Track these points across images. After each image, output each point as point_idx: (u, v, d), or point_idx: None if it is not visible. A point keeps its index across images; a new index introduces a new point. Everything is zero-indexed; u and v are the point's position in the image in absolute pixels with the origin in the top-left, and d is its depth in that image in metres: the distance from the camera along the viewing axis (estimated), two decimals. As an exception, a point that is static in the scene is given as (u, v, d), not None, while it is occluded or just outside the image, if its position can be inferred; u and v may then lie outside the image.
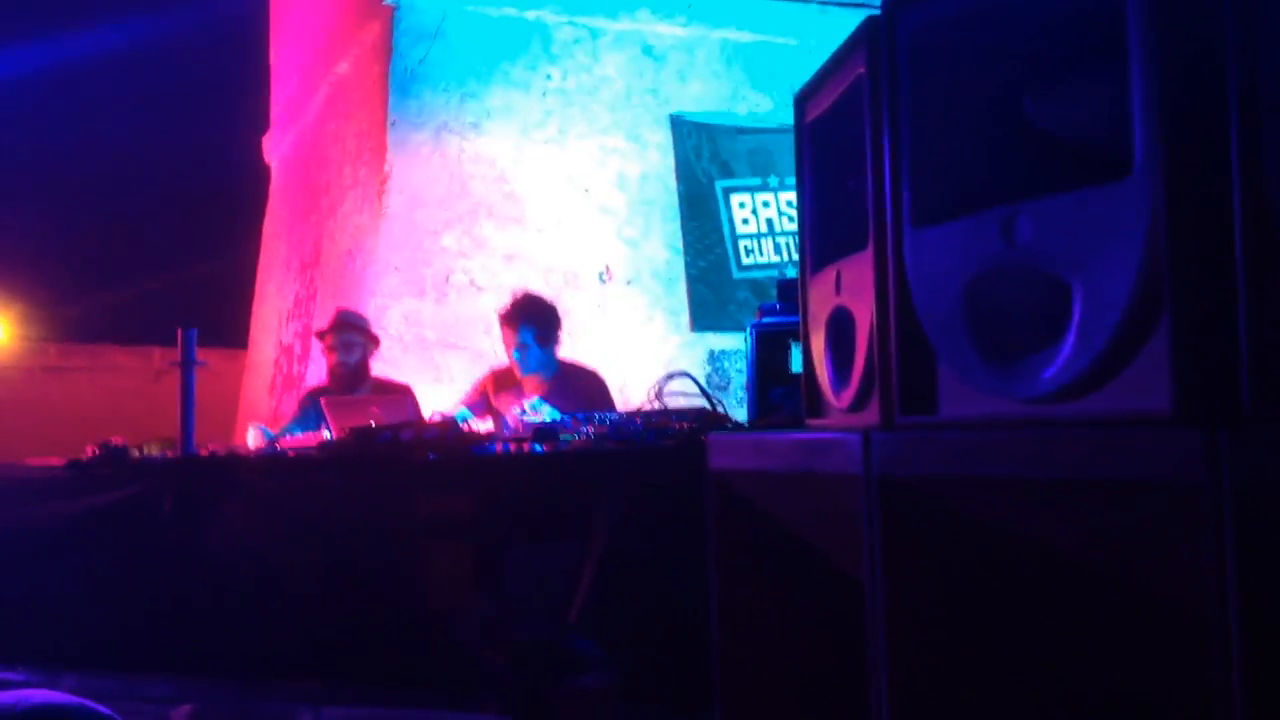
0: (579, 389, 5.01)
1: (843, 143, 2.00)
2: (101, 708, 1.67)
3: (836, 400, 2.06)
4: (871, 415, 1.86)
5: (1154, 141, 1.35)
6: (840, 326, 2.03)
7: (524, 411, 4.44)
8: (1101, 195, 1.42)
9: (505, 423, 4.52)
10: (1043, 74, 1.60)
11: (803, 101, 2.23)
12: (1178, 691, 1.47)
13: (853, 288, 1.96)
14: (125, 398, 13.63)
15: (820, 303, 2.14)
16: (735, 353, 7.59)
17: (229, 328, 12.09)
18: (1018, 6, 1.63)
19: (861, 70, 1.88)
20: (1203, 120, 1.32)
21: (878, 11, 1.83)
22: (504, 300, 7.32)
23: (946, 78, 1.70)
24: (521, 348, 5.06)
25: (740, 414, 4.29)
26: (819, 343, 2.15)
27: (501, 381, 5.20)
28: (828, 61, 2.06)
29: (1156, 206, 1.34)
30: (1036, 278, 1.50)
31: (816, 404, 2.20)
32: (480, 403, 5.13)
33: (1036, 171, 1.56)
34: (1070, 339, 1.46)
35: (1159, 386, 1.35)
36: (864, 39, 1.86)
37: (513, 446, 3.69)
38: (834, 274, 2.06)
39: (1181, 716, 1.47)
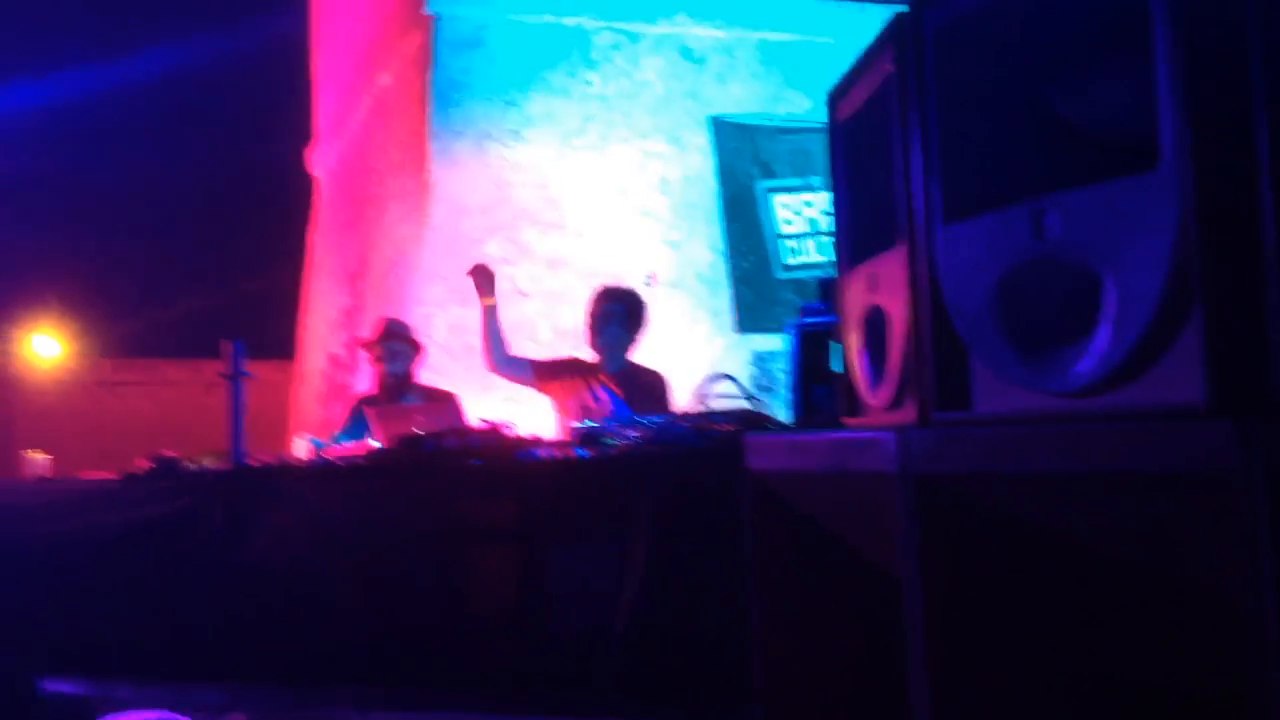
0: (644, 387, 5.03)
1: (874, 141, 2.00)
2: None
3: (873, 399, 2.06)
4: (907, 413, 1.85)
5: (1181, 132, 1.34)
6: (875, 325, 2.03)
7: (597, 397, 4.52)
8: (1130, 187, 1.41)
9: (584, 405, 4.66)
10: (1069, 67, 1.59)
11: (835, 101, 2.23)
12: (1216, 682, 1.46)
13: (886, 286, 1.96)
14: (178, 410, 13.82)
15: (855, 301, 2.14)
16: (780, 353, 7.56)
17: (279, 339, 12.22)
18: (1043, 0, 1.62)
19: (890, 68, 1.88)
20: (1229, 109, 1.32)
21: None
22: (549, 305, 7.39)
23: (974, 73, 1.70)
24: (606, 316, 5.13)
25: (785, 415, 4.29)
26: (855, 342, 2.15)
27: (564, 371, 5.25)
28: (858, 60, 2.07)
29: (1185, 197, 1.33)
30: (1067, 271, 1.50)
31: (854, 403, 2.20)
32: (563, 366, 5.25)
33: (1065, 165, 1.56)
34: (1103, 332, 1.45)
35: (1192, 378, 1.34)
36: (892, 37, 1.86)
37: (557, 451, 3.70)
38: (868, 272, 2.06)
39: (1220, 708, 1.46)
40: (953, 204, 1.72)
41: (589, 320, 5.20)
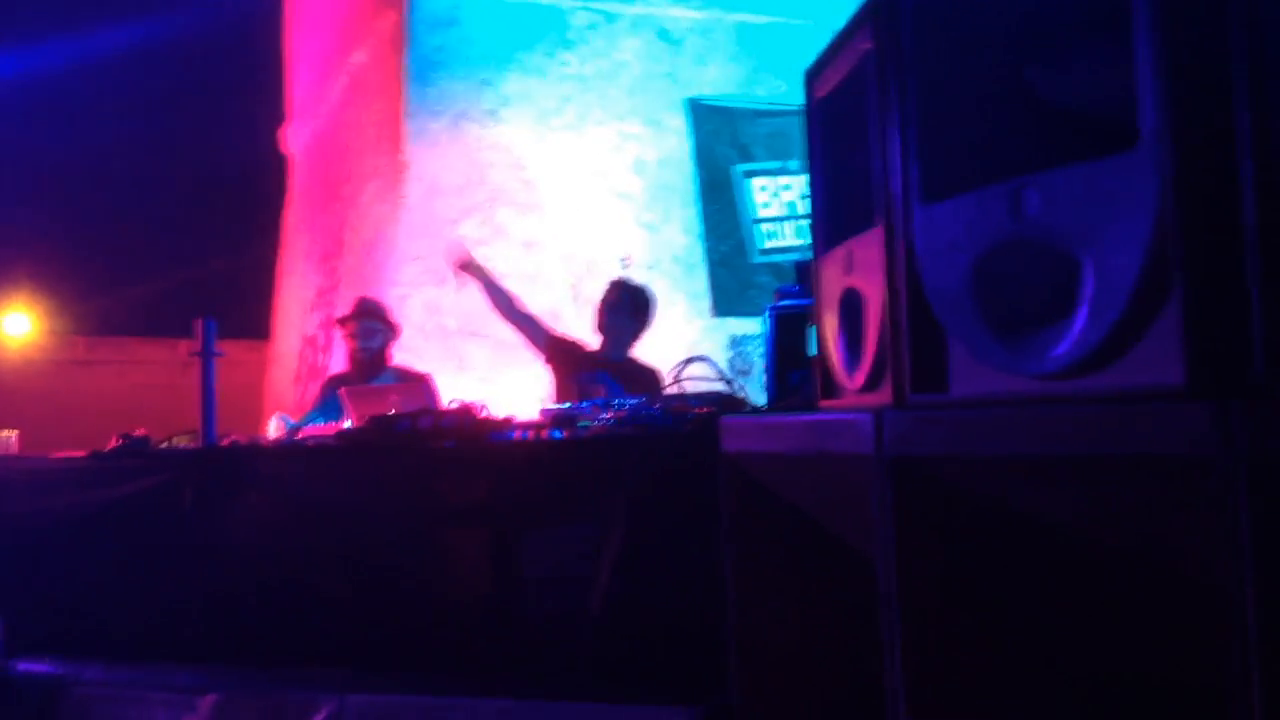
0: (642, 382, 5.04)
1: (852, 120, 1.98)
2: None
3: (849, 381, 2.05)
4: (883, 395, 1.84)
5: (1161, 112, 1.32)
6: (851, 307, 2.01)
7: (596, 381, 4.55)
8: (1110, 167, 1.40)
9: (583, 387, 4.67)
10: (1049, 45, 1.58)
11: (812, 79, 2.21)
12: (1195, 668, 1.45)
13: (863, 267, 1.94)
14: (152, 390, 13.72)
15: (831, 283, 2.12)
16: (757, 337, 7.57)
17: (254, 319, 12.13)
18: (1024, -23, 1.60)
19: (868, 46, 1.86)
20: (1210, 89, 1.30)
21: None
22: (525, 287, 7.36)
23: (953, 51, 1.68)
24: (615, 303, 5.28)
25: (762, 398, 4.28)
26: (831, 323, 2.13)
27: (568, 353, 5.28)
28: (835, 38, 2.04)
29: (1165, 177, 1.32)
30: (1046, 252, 1.48)
31: (829, 385, 2.18)
32: (572, 346, 5.31)
33: (1044, 144, 1.54)
34: (1081, 314, 1.44)
35: (1171, 360, 1.33)
36: (870, 13, 1.84)
37: (530, 433, 3.68)
38: (844, 253, 2.04)
39: (1199, 693, 1.45)
40: (930, 184, 1.71)
41: (600, 305, 5.29)
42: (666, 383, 5.13)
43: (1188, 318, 1.31)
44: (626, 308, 5.24)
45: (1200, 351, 1.30)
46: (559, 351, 5.30)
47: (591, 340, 5.40)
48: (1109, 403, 1.40)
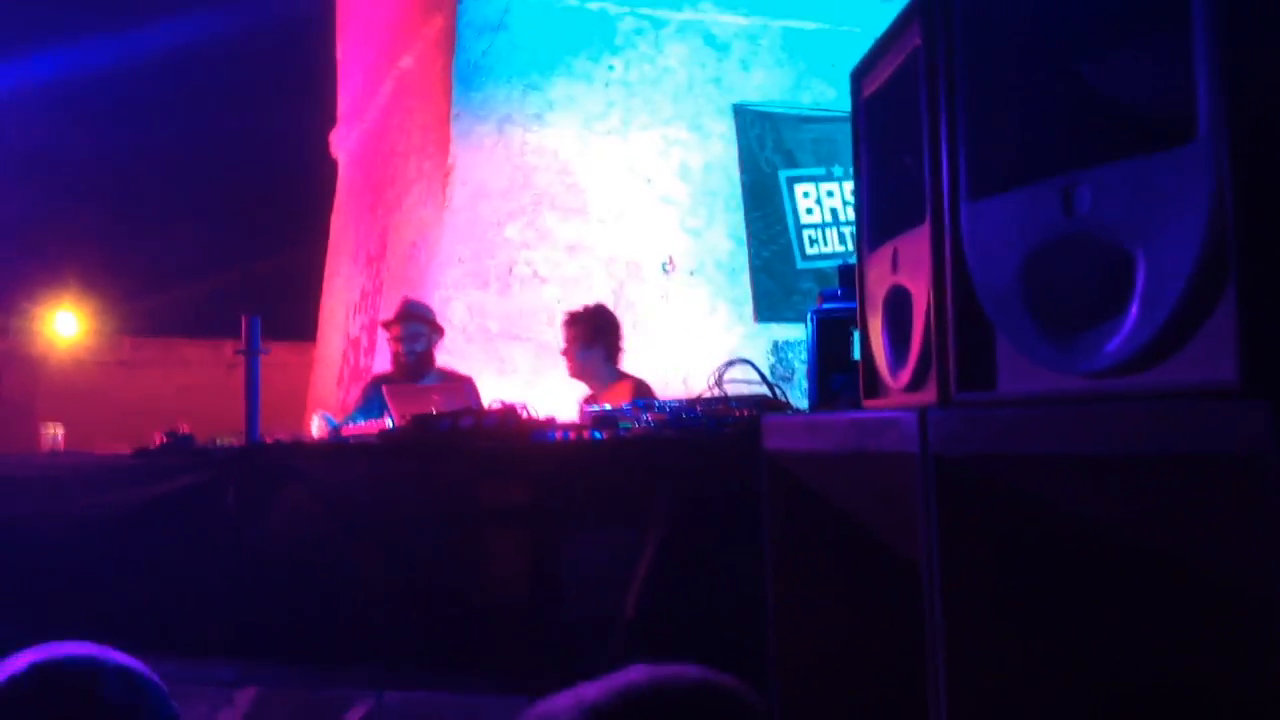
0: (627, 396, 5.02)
1: (899, 117, 1.96)
2: (125, 659, 1.58)
3: (894, 381, 2.02)
4: (929, 394, 1.82)
5: (1218, 105, 1.30)
6: (898, 305, 1.99)
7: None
8: (1164, 162, 1.37)
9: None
10: (1103, 38, 1.55)
11: (859, 77, 2.19)
12: (1243, 674, 1.42)
13: (909, 265, 1.92)
14: (197, 390, 13.86)
15: (877, 282, 2.10)
16: (799, 343, 7.55)
17: (298, 321, 12.22)
18: (1077, -30, 1.58)
19: (917, 42, 1.84)
20: (1269, 82, 1.28)
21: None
22: (567, 291, 7.39)
23: (1003, 45, 1.66)
24: (571, 344, 5.35)
25: (803, 404, 4.26)
26: (876, 323, 2.11)
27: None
28: (883, 35, 2.03)
29: (1221, 172, 1.29)
30: (1097, 248, 1.46)
31: (873, 385, 2.16)
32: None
33: (1096, 139, 1.51)
34: (1132, 311, 1.41)
35: (1224, 357, 1.30)
36: (919, 9, 1.82)
37: (572, 434, 3.68)
38: (891, 251, 2.02)
39: (1246, 700, 1.42)
40: (979, 180, 1.68)
41: (563, 354, 5.38)
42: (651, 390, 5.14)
43: (1242, 314, 1.28)
44: (580, 340, 5.28)
45: (1255, 349, 1.28)
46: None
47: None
48: (1161, 401, 1.38)
